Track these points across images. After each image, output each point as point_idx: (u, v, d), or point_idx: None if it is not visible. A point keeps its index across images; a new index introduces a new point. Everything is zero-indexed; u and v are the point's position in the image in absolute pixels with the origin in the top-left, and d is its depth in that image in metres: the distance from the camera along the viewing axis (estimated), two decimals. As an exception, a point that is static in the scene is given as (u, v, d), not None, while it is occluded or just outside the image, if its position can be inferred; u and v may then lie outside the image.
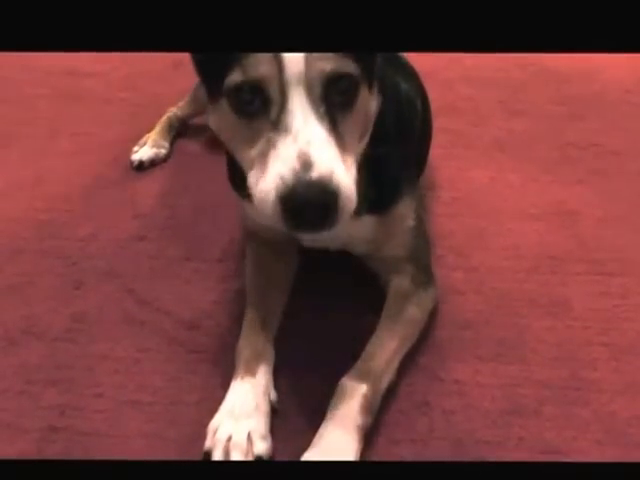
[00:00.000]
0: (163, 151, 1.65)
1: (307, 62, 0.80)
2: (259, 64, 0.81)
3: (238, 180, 1.00)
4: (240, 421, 0.92)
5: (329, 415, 0.92)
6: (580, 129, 1.74)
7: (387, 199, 1.07)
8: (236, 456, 0.89)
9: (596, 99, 1.89)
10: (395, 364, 1.01)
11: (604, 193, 1.48)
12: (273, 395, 0.99)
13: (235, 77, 0.82)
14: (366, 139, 0.94)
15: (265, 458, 0.91)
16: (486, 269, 1.27)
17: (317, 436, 0.90)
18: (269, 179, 0.80)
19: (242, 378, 0.99)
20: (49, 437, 0.97)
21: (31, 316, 1.18)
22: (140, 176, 1.59)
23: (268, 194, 0.80)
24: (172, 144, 1.70)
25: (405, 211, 1.10)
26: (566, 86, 1.96)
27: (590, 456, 0.93)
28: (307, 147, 0.78)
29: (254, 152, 0.84)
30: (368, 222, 1.06)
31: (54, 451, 0.95)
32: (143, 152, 1.62)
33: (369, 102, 0.91)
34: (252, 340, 1.04)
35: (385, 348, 1.01)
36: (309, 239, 1.12)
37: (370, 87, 0.90)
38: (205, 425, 0.93)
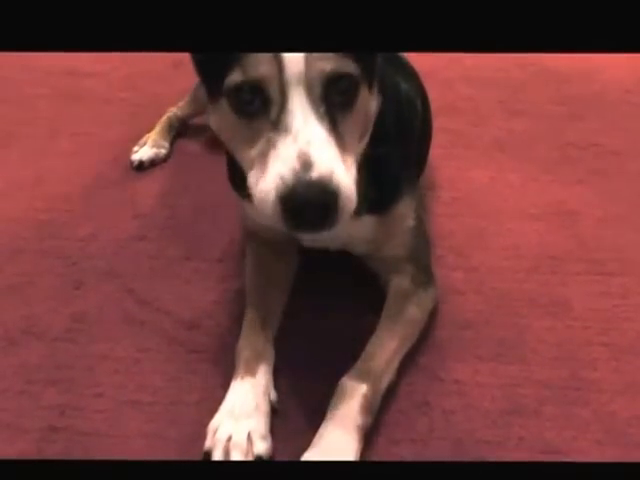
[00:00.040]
0: (163, 151, 1.65)
1: (307, 62, 0.80)
2: (259, 64, 0.81)
3: (238, 180, 1.00)
4: (240, 421, 0.92)
5: (329, 415, 0.92)
6: (580, 129, 1.74)
7: (387, 199, 1.07)
8: (236, 456, 0.89)
9: (596, 99, 1.89)
10: (395, 364, 1.01)
11: (604, 193, 1.48)
12: (273, 395, 0.99)
13: (235, 77, 0.82)
14: (366, 139, 0.94)
15: (265, 458, 0.91)
16: (486, 269, 1.27)
17: (317, 436, 0.90)
18: (269, 179, 0.80)
19: (242, 378, 0.99)
20: (49, 437, 0.97)
21: (31, 316, 1.18)
22: (140, 176, 1.59)
23: (268, 194, 0.80)
24: (172, 144, 1.70)
25: (405, 211, 1.10)
26: (566, 86, 1.96)
27: (590, 456, 0.93)
28: (307, 147, 0.78)
29: (254, 152, 0.84)
30: (368, 222, 1.06)
31: (54, 451, 0.95)
32: (143, 152, 1.62)
33: (369, 102, 0.91)
34: (252, 340, 1.04)
35: (385, 348, 1.01)
36: (309, 239, 1.12)
37: (370, 87, 0.90)
38: (205, 425, 0.93)
